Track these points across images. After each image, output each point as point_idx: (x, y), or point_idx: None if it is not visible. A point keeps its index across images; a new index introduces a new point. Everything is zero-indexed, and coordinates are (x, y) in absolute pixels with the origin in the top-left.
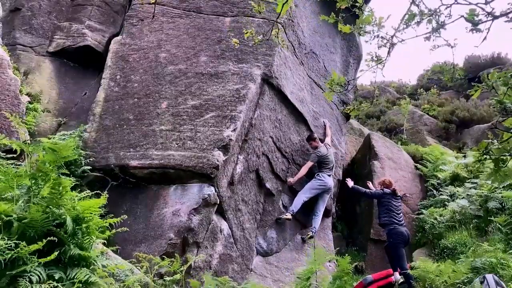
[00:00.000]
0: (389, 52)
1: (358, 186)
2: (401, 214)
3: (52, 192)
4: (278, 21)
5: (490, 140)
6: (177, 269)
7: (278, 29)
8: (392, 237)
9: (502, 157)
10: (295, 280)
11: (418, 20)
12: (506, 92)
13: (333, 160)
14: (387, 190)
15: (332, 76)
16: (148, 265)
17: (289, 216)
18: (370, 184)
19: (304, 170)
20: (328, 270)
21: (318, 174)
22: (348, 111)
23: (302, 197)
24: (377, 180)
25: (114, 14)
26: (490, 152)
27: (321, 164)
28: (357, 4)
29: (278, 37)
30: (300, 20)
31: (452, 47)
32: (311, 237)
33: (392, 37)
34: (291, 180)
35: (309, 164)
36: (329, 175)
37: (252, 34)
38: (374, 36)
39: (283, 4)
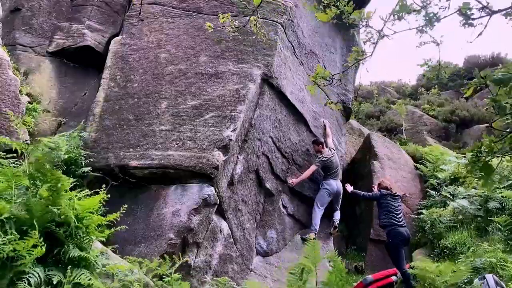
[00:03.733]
0: (374, 47)
1: (356, 190)
2: (401, 214)
3: (52, 190)
4: (279, 21)
5: (483, 140)
6: (166, 271)
7: (257, 17)
8: (391, 238)
9: (491, 159)
10: (288, 276)
11: (408, 11)
12: (497, 91)
13: (338, 163)
14: (384, 191)
15: (317, 70)
16: (139, 266)
17: (313, 235)
18: (374, 188)
19: (307, 173)
20: (329, 269)
21: (323, 183)
22: (330, 103)
23: (318, 212)
24: (377, 181)
25: (114, 14)
26: (483, 152)
27: (326, 168)
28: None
29: (256, 26)
30: (300, 20)
31: (438, 44)
32: (335, 227)
33: (381, 30)
34: (293, 181)
35: (313, 168)
36: (334, 179)
37: (228, 19)
38: (365, 30)
39: None
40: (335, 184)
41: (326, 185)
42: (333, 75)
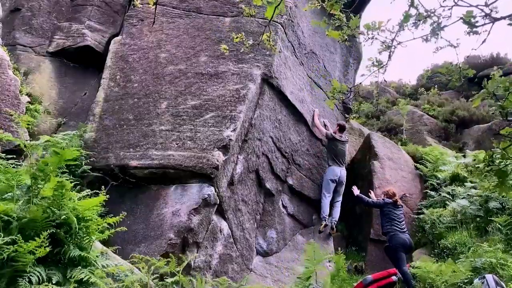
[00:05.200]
0: (390, 57)
1: (362, 195)
2: (404, 222)
3: (55, 193)
4: (279, 21)
5: (495, 148)
6: (174, 269)
7: (270, 33)
8: (392, 242)
9: (505, 167)
10: (296, 280)
11: (414, 21)
12: (507, 97)
13: (345, 152)
14: (388, 200)
15: (333, 84)
16: (145, 265)
17: (325, 223)
18: (372, 194)
19: (316, 120)
20: (328, 270)
21: (327, 169)
22: (352, 119)
23: (325, 200)
24: (377, 181)
25: (114, 14)
26: (494, 161)
27: (331, 152)
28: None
29: (269, 42)
30: (300, 20)
31: (455, 47)
32: (332, 228)
33: (392, 40)
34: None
35: (323, 130)
36: (339, 167)
37: (242, 38)
38: (369, 38)
39: (275, 7)
40: (339, 171)
41: (330, 170)
42: (350, 88)
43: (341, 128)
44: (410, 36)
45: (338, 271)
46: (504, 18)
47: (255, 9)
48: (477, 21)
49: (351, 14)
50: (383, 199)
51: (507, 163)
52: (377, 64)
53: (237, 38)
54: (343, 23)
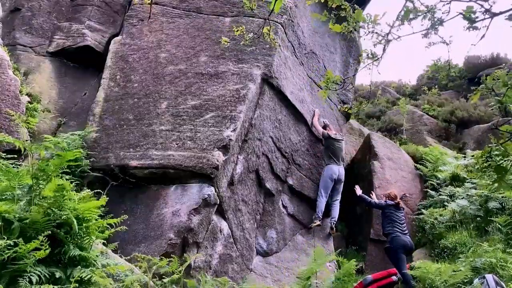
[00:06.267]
0: (384, 49)
1: (365, 195)
2: (405, 224)
3: (55, 194)
4: (279, 21)
5: (493, 145)
6: (176, 269)
7: (270, 27)
8: (393, 244)
9: (503, 163)
10: (295, 280)
11: (413, 16)
12: (505, 92)
13: (342, 150)
14: (390, 202)
15: (327, 74)
16: (147, 265)
17: (318, 222)
18: (373, 195)
19: (315, 119)
20: (328, 270)
21: (325, 168)
22: (346, 109)
23: (322, 199)
24: (377, 181)
25: (114, 14)
26: (492, 157)
27: (329, 151)
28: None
29: (270, 35)
30: (300, 20)
31: (447, 44)
32: (332, 228)
33: (387, 34)
34: (316, 114)
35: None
36: (337, 165)
37: (243, 31)
38: (369, 32)
39: (276, 0)
40: (337, 169)
41: (328, 169)
42: (344, 79)
43: (328, 127)
44: (409, 31)
45: (343, 274)
46: (503, 13)
47: (256, 9)
48: (477, 17)
49: (355, 5)
50: (385, 201)
51: (506, 159)
52: (371, 56)
53: (237, 31)
54: (348, 14)
